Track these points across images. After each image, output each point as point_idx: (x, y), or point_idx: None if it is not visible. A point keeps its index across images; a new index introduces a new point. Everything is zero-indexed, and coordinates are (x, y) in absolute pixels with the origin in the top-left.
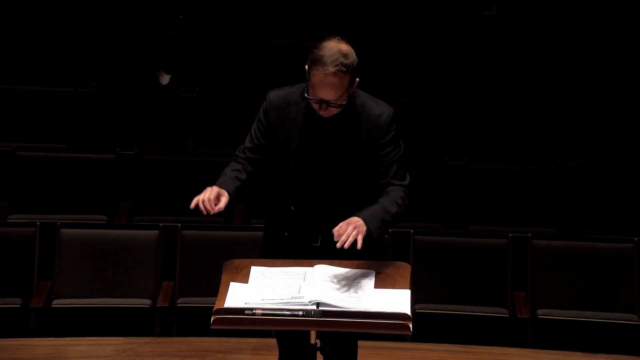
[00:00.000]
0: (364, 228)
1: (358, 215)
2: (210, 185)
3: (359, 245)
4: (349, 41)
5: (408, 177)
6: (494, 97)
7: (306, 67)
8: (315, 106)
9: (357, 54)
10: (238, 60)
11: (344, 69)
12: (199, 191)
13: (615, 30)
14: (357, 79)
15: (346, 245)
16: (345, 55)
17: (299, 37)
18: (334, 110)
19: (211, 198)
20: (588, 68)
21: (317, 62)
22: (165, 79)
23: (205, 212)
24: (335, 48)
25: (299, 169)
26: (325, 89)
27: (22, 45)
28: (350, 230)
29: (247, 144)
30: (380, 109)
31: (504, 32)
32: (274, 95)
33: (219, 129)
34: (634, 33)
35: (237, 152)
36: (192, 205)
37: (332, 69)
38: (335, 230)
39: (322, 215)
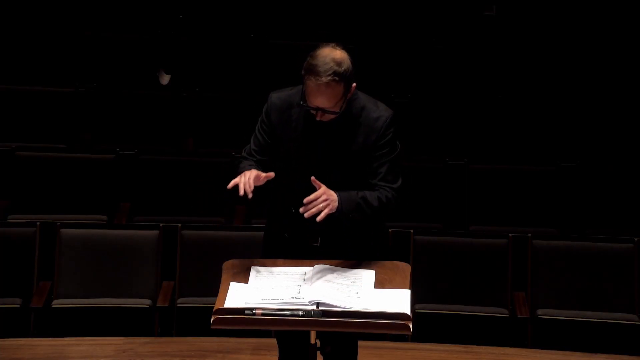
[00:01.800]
0: (335, 204)
1: (338, 194)
2: (211, 183)
3: (320, 217)
4: (348, 42)
5: (399, 181)
6: (494, 97)
7: (302, 73)
8: (312, 112)
9: (357, 55)
10: (238, 60)
11: (337, 78)
12: (199, 191)
13: (615, 30)
14: (354, 84)
15: (307, 215)
16: (338, 64)
17: (299, 37)
18: (331, 116)
19: (251, 177)
20: (588, 68)
21: (311, 71)
22: (165, 79)
23: (242, 193)
24: (329, 57)
25: (299, 170)
26: (319, 98)
27: (22, 45)
28: (320, 202)
29: (253, 146)
30: (379, 111)
31: (504, 32)
32: (276, 97)
33: (219, 129)
34: (634, 33)
35: (244, 154)
36: (230, 185)
37: (324, 79)
38: (309, 198)
39: None
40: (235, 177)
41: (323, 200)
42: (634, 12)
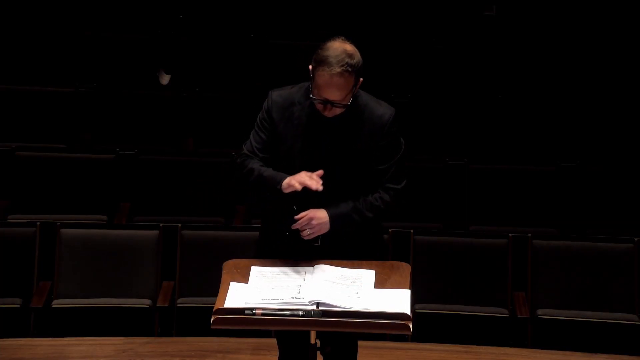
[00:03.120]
0: (324, 227)
1: (328, 211)
2: (211, 183)
3: (306, 238)
4: (349, 41)
5: (404, 182)
6: (494, 97)
7: (310, 67)
8: (320, 107)
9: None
10: (238, 60)
11: (350, 69)
12: (199, 191)
13: (615, 30)
14: (361, 79)
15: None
16: (350, 56)
17: (299, 37)
18: (337, 111)
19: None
20: (588, 68)
21: (323, 62)
22: (165, 79)
23: (315, 187)
24: (340, 48)
25: (302, 169)
26: (330, 89)
27: (22, 45)
28: (306, 232)
29: (255, 143)
30: (382, 109)
31: (504, 32)
32: (277, 94)
33: (219, 129)
34: (634, 33)
35: (247, 153)
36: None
37: (337, 70)
38: (299, 224)
39: None
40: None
41: (310, 227)
42: (634, 12)
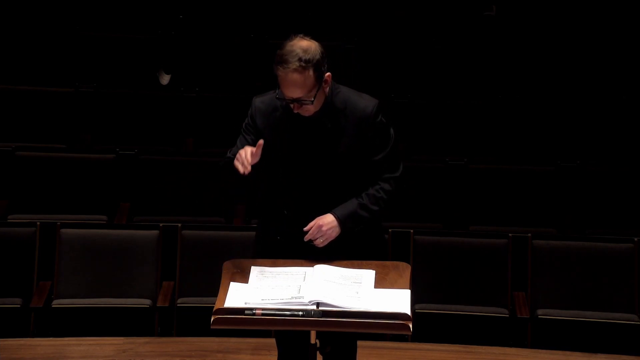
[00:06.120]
0: (337, 231)
1: (335, 213)
2: (211, 183)
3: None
4: (348, 42)
5: (401, 168)
6: (494, 97)
7: (273, 66)
8: (290, 106)
9: (357, 55)
10: (238, 60)
11: (304, 65)
12: (199, 191)
13: (615, 30)
14: (329, 74)
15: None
16: (305, 51)
17: None
18: (310, 108)
19: (247, 154)
20: (588, 68)
21: (279, 61)
22: (165, 79)
23: (243, 171)
24: (296, 45)
25: (292, 172)
26: (290, 87)
27: (21, 45)
28: (319, 241)
29: (240, 146)
30: (364, 101)
31: (504, 32)
32: (259, 101)
33: (219, 129)
34: (634, 33)
35: (229, 155)
36: (241, 170)
37: (291, 67)
38: (310, 234)
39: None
40: (228, 170)
41: (321, 234)
42: (634, 12)
